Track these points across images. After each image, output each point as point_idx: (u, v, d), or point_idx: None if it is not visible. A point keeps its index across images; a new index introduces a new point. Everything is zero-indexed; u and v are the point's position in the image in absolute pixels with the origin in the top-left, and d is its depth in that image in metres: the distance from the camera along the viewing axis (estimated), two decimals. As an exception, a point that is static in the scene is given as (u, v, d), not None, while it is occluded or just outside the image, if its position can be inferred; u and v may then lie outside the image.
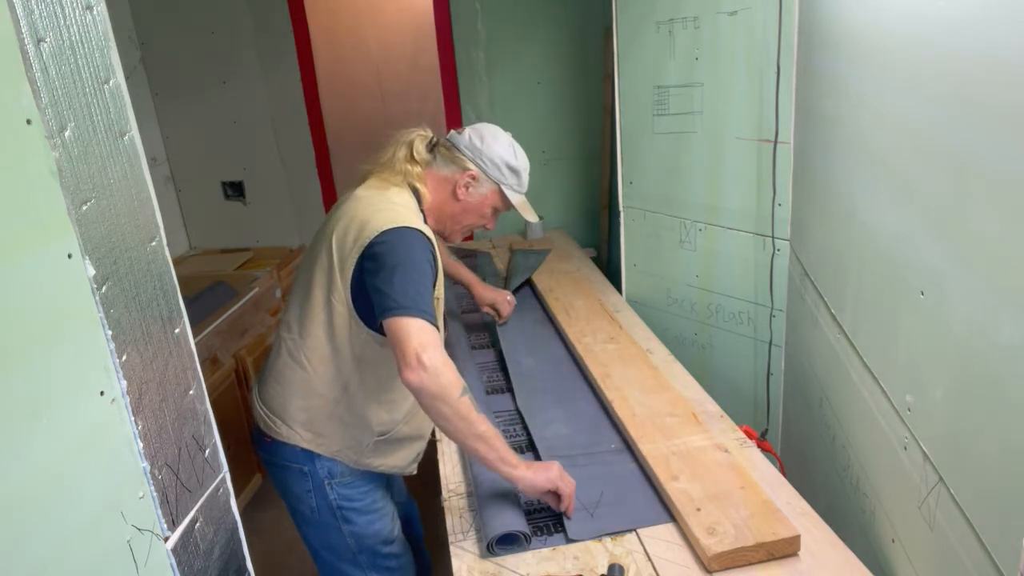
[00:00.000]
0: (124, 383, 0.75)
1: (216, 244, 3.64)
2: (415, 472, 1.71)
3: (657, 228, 2.53)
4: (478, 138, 1.60)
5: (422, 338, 1.30)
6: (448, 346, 2.01)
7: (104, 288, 0.72)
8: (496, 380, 2.01)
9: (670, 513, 1.40)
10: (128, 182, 0.78)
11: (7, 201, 0.62)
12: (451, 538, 1.39)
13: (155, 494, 0.79)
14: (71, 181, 0.69)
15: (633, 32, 2.39)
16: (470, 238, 3.36)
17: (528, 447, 1.67)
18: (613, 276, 2.92)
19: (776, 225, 2.07)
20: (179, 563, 0.82)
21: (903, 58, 1.17)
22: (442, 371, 1.29)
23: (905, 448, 1.20)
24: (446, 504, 1.50)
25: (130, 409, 0.75)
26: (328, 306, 1.47)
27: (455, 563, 1.32)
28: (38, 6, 0.66)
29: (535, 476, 1.35)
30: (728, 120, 2.16)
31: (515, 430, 1.74)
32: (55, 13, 0.68)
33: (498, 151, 1.60)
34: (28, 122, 0.65)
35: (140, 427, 0.77)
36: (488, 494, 1.43)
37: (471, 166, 1.59)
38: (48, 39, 0.67)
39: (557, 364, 2.06)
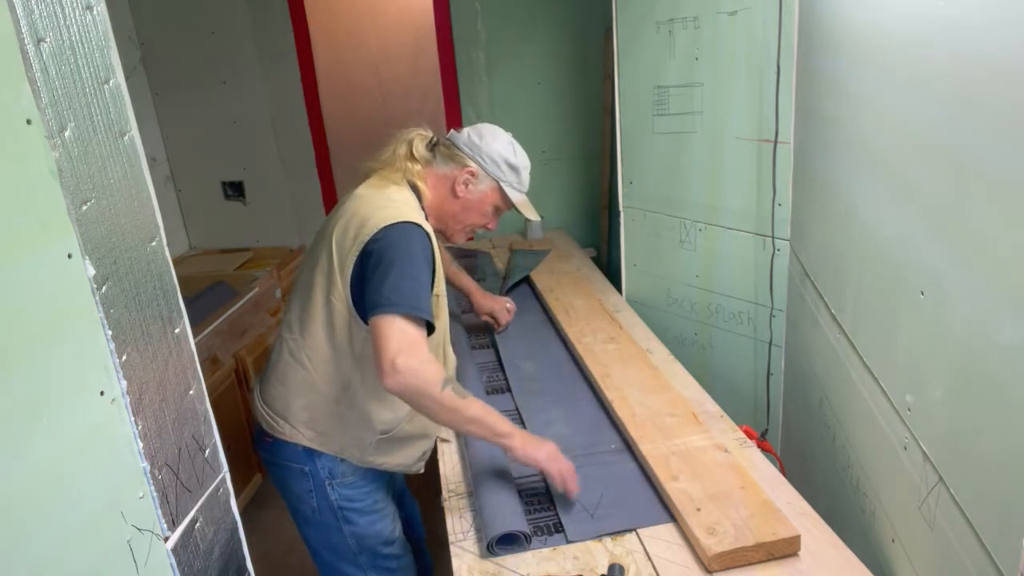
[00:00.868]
0: (124, 383, 0.75)
1: (216, 244, 3.64)
2: (422, 471, 1.71)
3: (657, 228, 2.53)
4: (477, 136, 1.61)
5: (400, 341, 1.31)
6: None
7: (104, 288, 0.72)
8: (496, 380, 2.01)
9: (670, 513, 1.40)
10: (128, 182, 0.78)
11: (7, 201, 0.62)
12: (451, 538, 1.39)
13: (155, 494, 0.79)
14: (71, 181, 0.69)
15: (633, 32, 2.39)
16: (470, 238, 3.36)
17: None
18: (613, 276, 2.92)
19: (776, 225, 2.07)
20: (179, 563, 0.82)
21: (903, 58, 1.17)
22: (417, 370, 1.31)
23: (905, 448, 1.20)
24: (446, 504, 1.50)
25: (130, 409, 0.75)
26: (328, 305, 1.47)
27: (455, 563, 1.32)
28: (38, 6, 0.66)
29: (524, 447, 1.41)
30: (728, 120, 2.16)
31: (515, 430, 1.74)
32: (55, 13, 0.68)
33: (497, 148, 1.60)
34: (28, 122, 0.65)
35: (140, 427, 0.77)
36: (488, 494, 1.43)
37: (470, 163, 1.59)
38: (48, 39, 0.67)
39: (557, 364, 2.06)
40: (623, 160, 2.58)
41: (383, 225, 1.40)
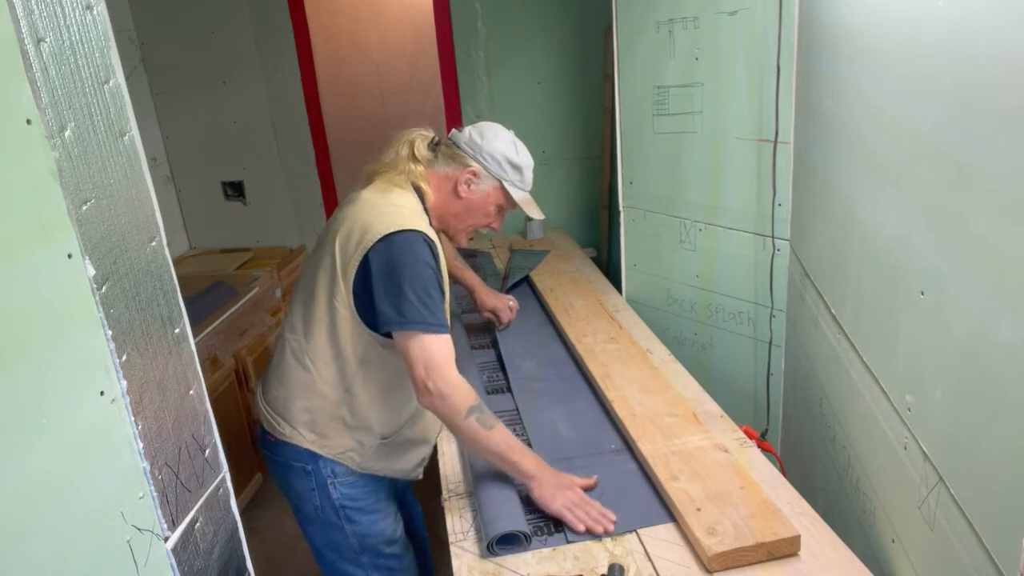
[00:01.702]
0: (124, 383, 0.75)
1: (216, 244, 3.64)
2: (420, 476, 1.71)
3: (657, 228, 2.53)
4: (478, 135, 1.60)
5: (426, 361, 1.38)
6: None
7: (104, 288, 0.72)
8: (496, 380, 2.01)
9: (670, 513, 1.40)
10: (128, 182, 0.78)
11: (7, 201, 0.62)
12: (451, 538, 1.39)
13: (155, 494, 0.79)
14: (71, 181, 0.69)
15: (633, 32, 2.39)
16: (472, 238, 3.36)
17: (529, 447, 1.67)
18: (613, 276, 2.92)
19: (776, 225, 2.07)
20: (179, 563, 0.82)
21: (903, 58, 1.17)
22: (446, 395, 1.38)
23: (905, 448, 1.20)
24: (446, 504, 1.50)
25: (130, 409, 0.75)
26: (331, 309, 1.47)
27: (455, 563, 1.32)
28: (38, 6, 0.66)
29: (542, 491, 1.40)
30: (728, 120, 2.16)
31: (516, 430, 1.74)
32: (55, 13, 0.68)
33: (498, 147, 1.59)
34: (28, 122, 0.65)
35: (140, 427, 0.77)
36: (488, 494, 1.43)
37: (471, 163, 1.58)
38: (48, 39, 0.67)
39: (557, 365, 2.06)
40: (623, 160, 2.58)
41: (385, 233, 1.40)
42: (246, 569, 0.98)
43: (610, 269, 3.33)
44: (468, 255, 3.04)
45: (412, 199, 1.53)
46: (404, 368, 1.43)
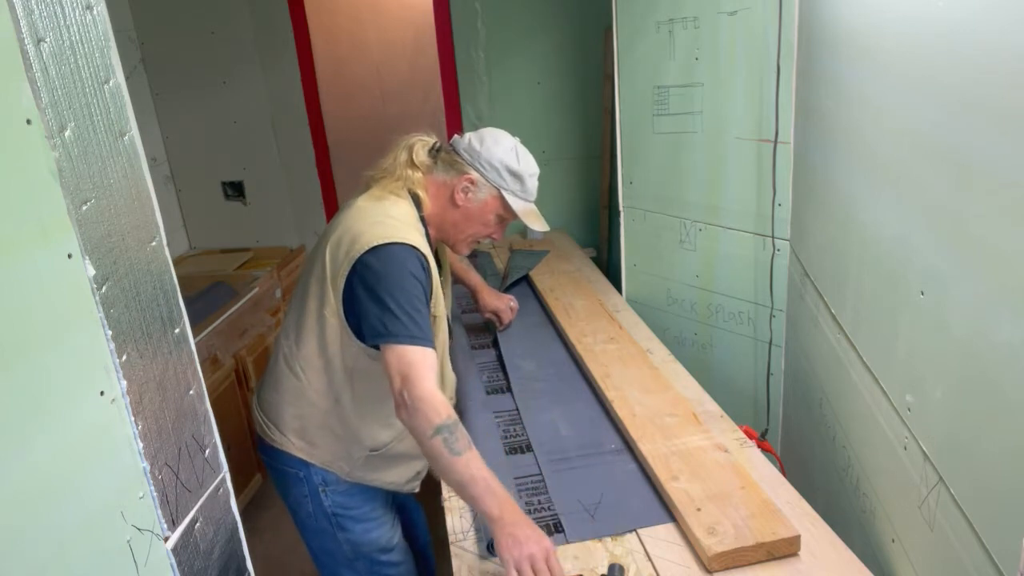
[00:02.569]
0: (124, 383, 0.75)
1: (216, 244, 3.64)
2: (416, 490, 1.69)
3: (657, 228, 2.53)
4: (478, 141, 1.55)
5: (404, 370, 1.30)
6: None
7: (104, 288, 0.72)
8: (496, 380, 2.01)
9: (670, 513, 1.40)
10: (128, 182, 0.78)
11: (7, 201, 0.62)
12: (451, 538, 1.39)
13: (155, 494, 0.79)
14: (71, 181, 0.69)
15: (633, 32, 2.39)
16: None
17: (528, 448, 1.67)
18: (613, 276, 2.92)
19: (776, 225, 2.07)
20: (179, 563, 0.82)
21: (903, 58, 1.17)
22: (416, 408, 1.27)
23: (905, 448, 1.20)
24: (446, 504, 1.50)
25: (130, 409, 0.75)
26: (321, 317, 1.45)
27: (455, 563, 1.32)
28: (38, 6, 0.66)
29: (502, 539, 1.17)
30: (728, 120, 2.16)
31: (516, 430, 1.74)
32: (55, 13, 0.68)
33: (498, 154, 1.53)
34: (28, 122, 0.65)
35: (140, 427, 0.77)
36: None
37: (469, 170, 1.53)
38: (48, 39, 0.67)
39: (557, 365, 2.06)
40: (623, 160, 2.58)
41: (374, 244, 1.37)
42: (246, 569, 0.98)
43: (610, 269, 3.33)
44: (469, 255, 3.04)
45: (407, 208, 1.49)
46: None
